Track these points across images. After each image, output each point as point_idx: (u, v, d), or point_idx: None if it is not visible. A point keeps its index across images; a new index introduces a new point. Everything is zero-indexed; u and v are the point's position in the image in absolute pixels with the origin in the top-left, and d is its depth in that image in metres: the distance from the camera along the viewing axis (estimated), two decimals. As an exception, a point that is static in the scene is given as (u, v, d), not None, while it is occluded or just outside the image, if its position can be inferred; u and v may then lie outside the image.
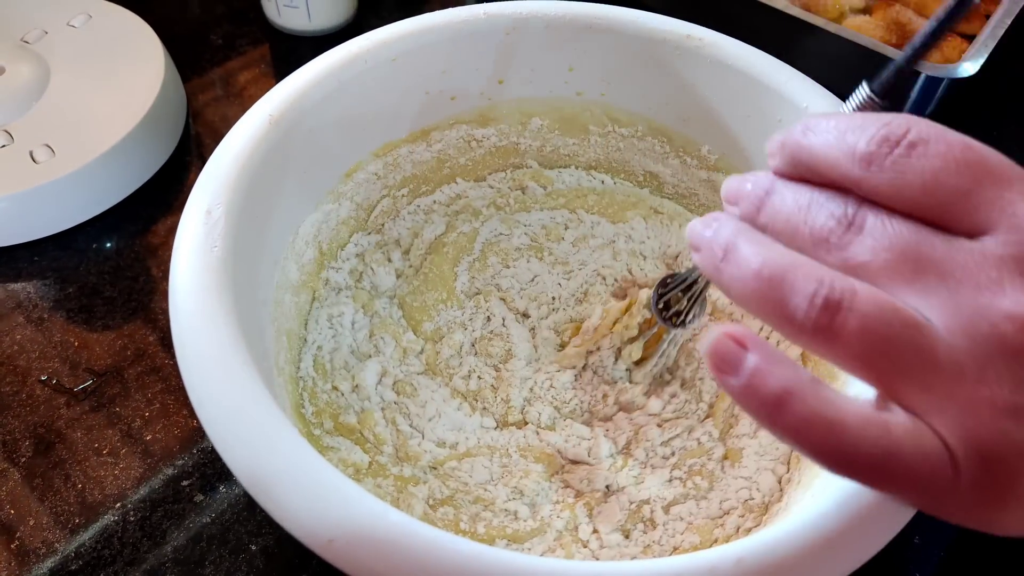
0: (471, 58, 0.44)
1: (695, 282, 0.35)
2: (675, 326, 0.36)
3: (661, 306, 0.37)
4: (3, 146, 0.47)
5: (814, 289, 0.20)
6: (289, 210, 0.40)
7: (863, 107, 0.26)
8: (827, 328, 0.20)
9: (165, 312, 0.43)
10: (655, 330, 0.38)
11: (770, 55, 0.41)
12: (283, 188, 0.38)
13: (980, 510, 0.20)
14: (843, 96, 0.39)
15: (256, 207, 0.35)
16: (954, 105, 0.52)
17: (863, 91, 0.26)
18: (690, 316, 0.36)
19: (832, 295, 0.20)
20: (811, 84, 0.40)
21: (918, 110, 0.52)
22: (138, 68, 0.52)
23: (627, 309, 0.40)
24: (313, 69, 0.39)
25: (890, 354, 0.19)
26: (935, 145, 0.20)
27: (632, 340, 0.39)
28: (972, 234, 0.20)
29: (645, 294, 0.39)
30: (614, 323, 0.40)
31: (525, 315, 0.43)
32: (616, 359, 0.40)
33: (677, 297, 0.36)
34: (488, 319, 0.43)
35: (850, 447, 0.19)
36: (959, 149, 0.20)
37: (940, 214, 0.20)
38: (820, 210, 0.21)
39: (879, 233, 0.20)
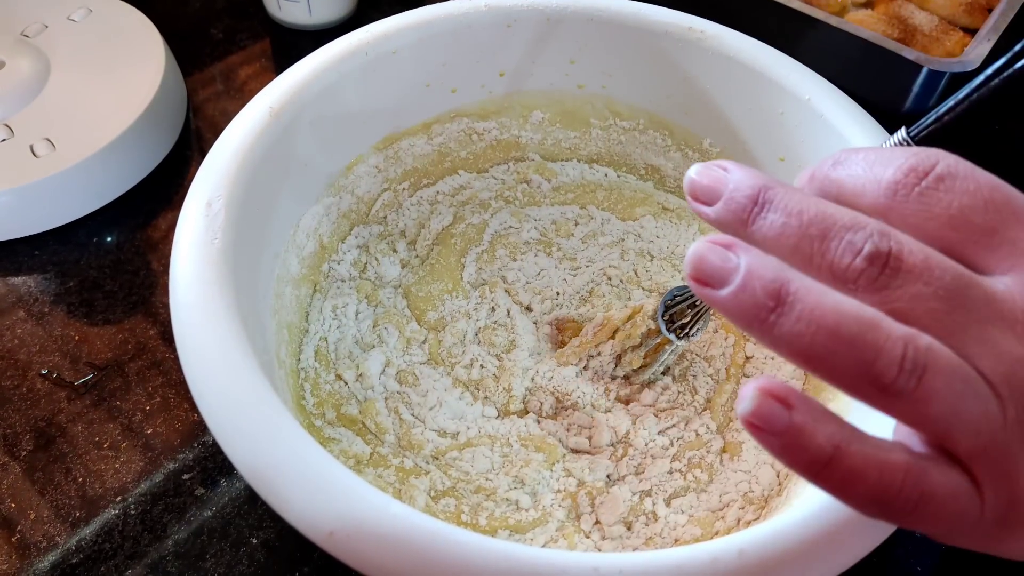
0: (472, 51, 0.44)
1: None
2: (679, 338, 0.38)
3: (667, 318, 0.38)
4: (3, 140, 0.47)
5: (902, 352, 0.18)
6: (290, 203, 0.40)
7: None
8: (911, 392, 0.19)
9: (166, 306, 0.43)
10: (658, 340, 0.39)
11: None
12: (284, 181, 0.38)
13: (995, 540, 0.20)
14: (845, 91, 0.39)
15: (256, 200, 0.35)
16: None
17: (899, 135, 0.26)
18: (694, 330, 0.37)
19: (918, 358, 0.18)
20: (813, 76, 0.40)
21: (920, 104, 0.52)
22: (138, 62, 0.52)
23: (630, 318, 0.40)
24: (314, 62, 0.39)
25: (957, 411, 0.19)
26: (963, 181, 0.20)
27: (634, 348, 0.40)
28: (987, 273, 0.20)
29: (651, 305, 0.39)
30: (614, 332, 0.40)
31: (528, 308, 0.43)
32: (616, 365, 0.40)
33: (683, 311, 0.37)
34: (493, 309, 0.43)
35: (891, 498, 0.19)
36: (987, 188, 0.20)
37: (960, 249, 0.20)
38: (839, 243, 0.20)
39: (919, 279, 0.19)
